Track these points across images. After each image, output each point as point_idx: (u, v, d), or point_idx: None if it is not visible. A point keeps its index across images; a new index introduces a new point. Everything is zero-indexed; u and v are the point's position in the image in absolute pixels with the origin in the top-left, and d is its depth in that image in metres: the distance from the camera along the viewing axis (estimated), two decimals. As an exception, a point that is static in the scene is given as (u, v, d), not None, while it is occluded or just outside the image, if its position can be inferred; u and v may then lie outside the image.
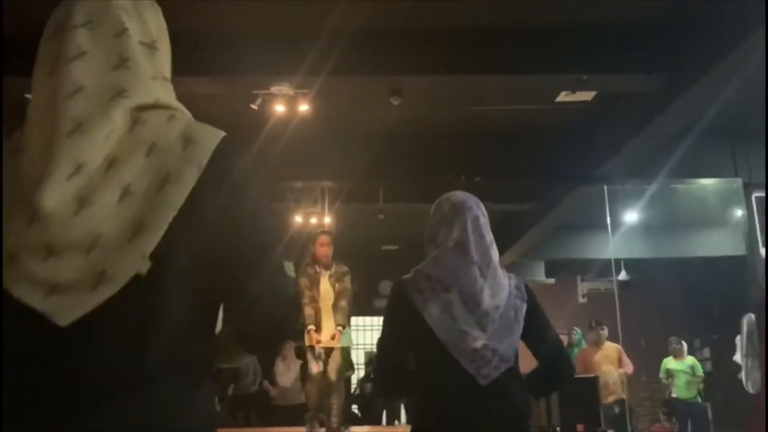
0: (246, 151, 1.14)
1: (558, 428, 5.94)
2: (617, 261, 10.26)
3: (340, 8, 5.32)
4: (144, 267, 0.98)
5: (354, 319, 6.05)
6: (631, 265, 11.19)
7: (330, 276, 5.72)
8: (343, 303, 5.71)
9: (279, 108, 6.35)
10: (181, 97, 1.21)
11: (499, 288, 2.08)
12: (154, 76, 1.13)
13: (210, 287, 1.07)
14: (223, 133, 1.12)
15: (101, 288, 0.97)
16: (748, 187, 7.77)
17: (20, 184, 1.01)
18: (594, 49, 5.91)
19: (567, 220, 10.16)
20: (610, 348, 7.71)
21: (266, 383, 8.74)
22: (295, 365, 8.72)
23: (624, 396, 7.74)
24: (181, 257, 1.03)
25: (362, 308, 10.21)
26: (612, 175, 7.90)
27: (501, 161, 8.20)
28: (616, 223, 9.43)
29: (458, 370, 1.98)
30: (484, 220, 2.17)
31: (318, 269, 5.73)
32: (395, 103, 6.17)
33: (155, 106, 1.10)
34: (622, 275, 10.90)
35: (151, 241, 1.00)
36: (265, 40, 5.80)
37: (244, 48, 5.79)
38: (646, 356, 10.01)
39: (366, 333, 12.85)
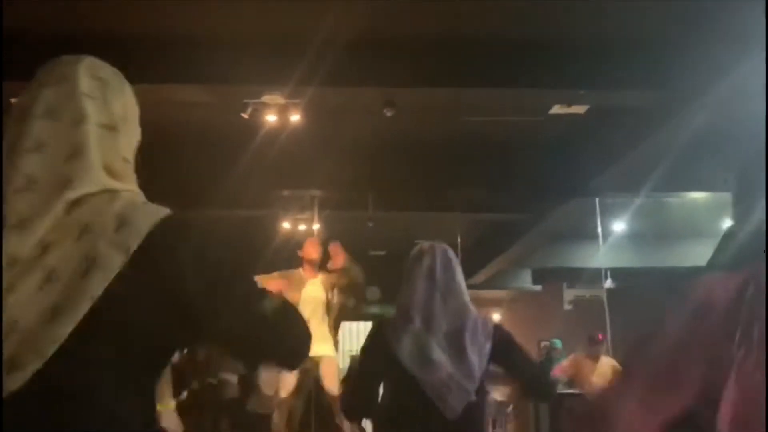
0: (196, 226, 1.11)
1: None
2: (604, 269, 10.27)
3: (332, 18, 5.25)
4: (49, 353, 0.98)
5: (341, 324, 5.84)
6: (618, 273, 11.20)
7: (323, 281, 5.44)
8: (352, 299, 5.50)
9: (270, 117, 6.26)
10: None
11: (460, 316, 2.30)
12: (108, 161, 1.12)
13: (147, 362, 1.09)
14: (163, 213, 1.10)
15: (10, 376, 0.98)
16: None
17: None
18: (590, 64, 5.87)
19: (557, 230, 10.15)
20: (605, 365, 7.62)
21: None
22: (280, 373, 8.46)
23: None
24: (103, 343, 1.03)
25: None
26: (604, 188, 7.87)
27: (492, 172, 8.16)
28: (606, 234, 9.41)
29: (427, 405, 2.18)
30: (454, 258, 2.43)
31: (303, 272, 5.44)
32: (389, 114, 6.11)
33: (100, 193, 1.09)
34: (608, 283, 10.91)
35: (65, 328, 0.99)
36: (258, 49, 5.70)
37: (236, 57, 5.69)
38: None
39: (353, 338, 12.81)
